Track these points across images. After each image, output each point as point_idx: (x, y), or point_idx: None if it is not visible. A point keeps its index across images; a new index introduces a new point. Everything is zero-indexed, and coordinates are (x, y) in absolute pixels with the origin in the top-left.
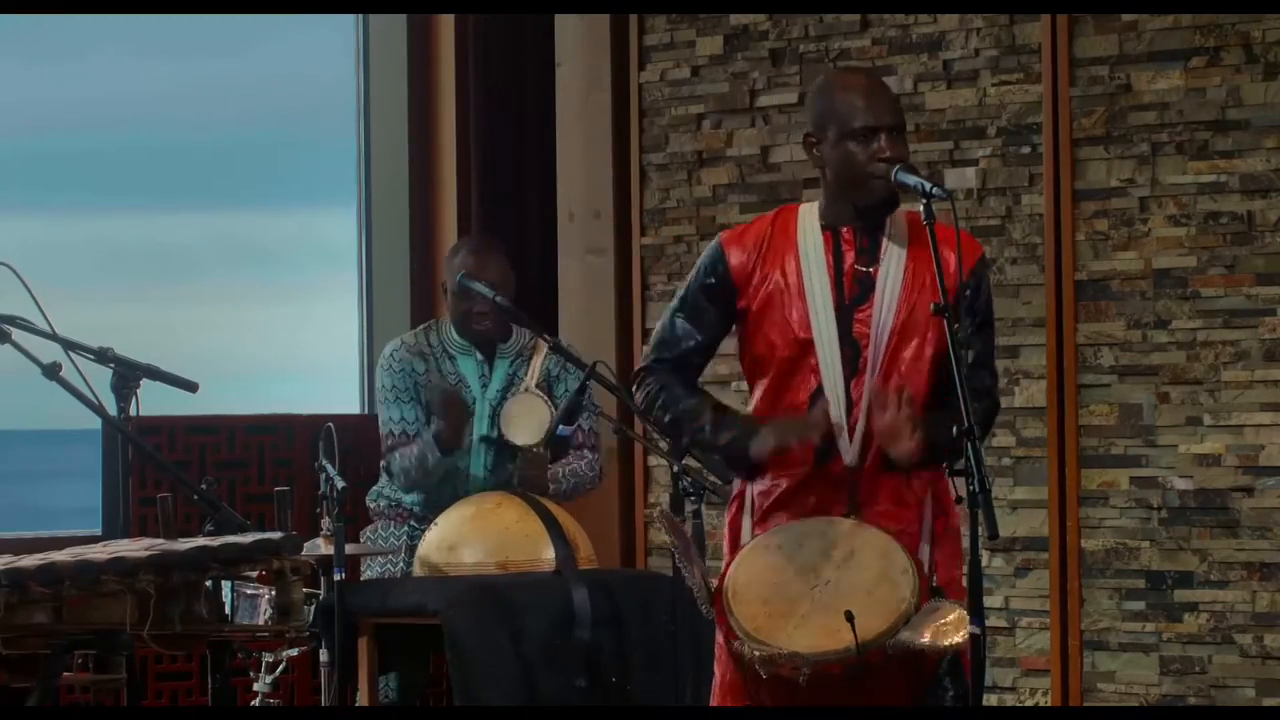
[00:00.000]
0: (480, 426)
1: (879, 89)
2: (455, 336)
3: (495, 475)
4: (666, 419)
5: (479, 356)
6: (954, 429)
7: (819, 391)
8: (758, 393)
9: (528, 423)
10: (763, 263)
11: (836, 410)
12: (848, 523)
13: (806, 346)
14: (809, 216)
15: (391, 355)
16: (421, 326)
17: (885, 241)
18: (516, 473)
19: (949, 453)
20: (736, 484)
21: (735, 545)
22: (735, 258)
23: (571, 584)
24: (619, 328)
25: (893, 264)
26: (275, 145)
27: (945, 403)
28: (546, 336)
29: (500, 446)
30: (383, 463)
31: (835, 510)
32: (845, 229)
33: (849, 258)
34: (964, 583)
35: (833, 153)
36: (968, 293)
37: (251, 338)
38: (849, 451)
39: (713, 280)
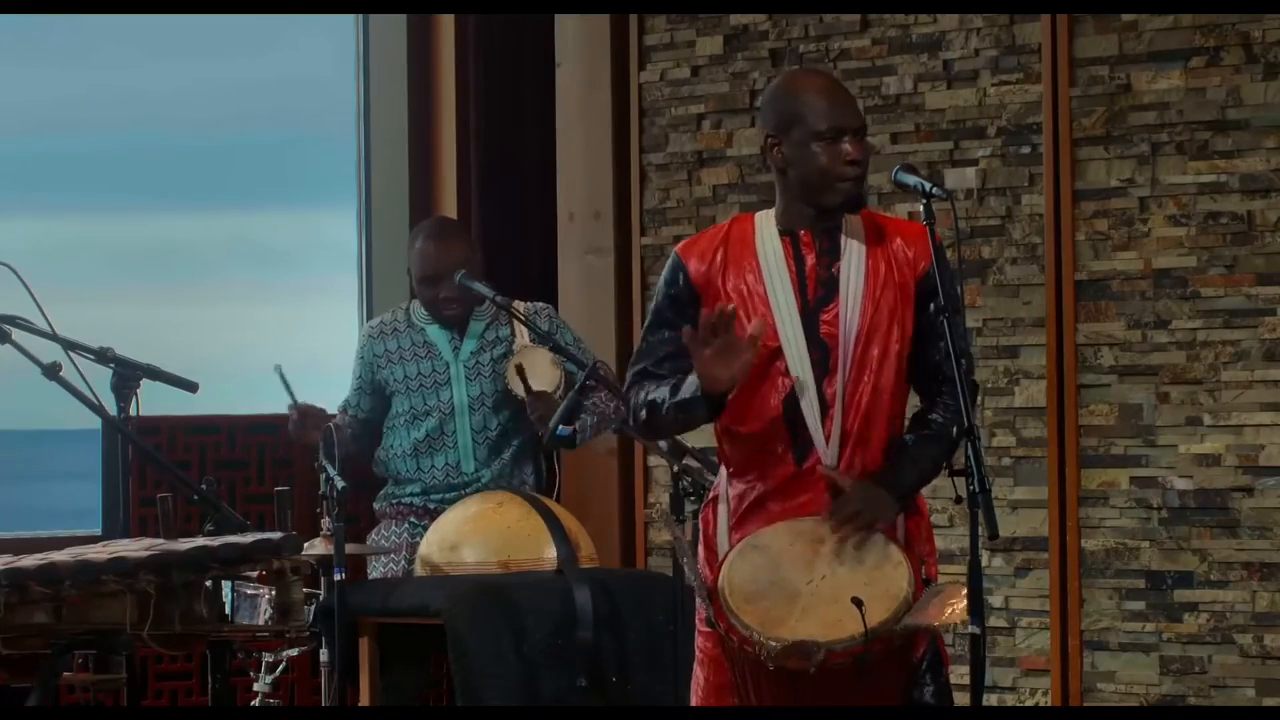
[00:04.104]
0: (459, 390)
1: (842, 90)
2: (424, 310)
3: (483, 435)
4: (644, 415)
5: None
6: (943, 462)
7: (792, 394)
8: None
9: (541, 370)
10: (722, 271)
11: (811, 413)
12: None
13: (774, 353)
14: (765, 224)
15: (366, 336)
16: (400, 305)
17: (844, 241)
18: (532, 414)
19: (931, 476)
20: (713, 485)
21: (710, 545)
22: (694, 265)
23: (573, 584)
24: (619, 328)
25: (854, 263)
26: (276, 145)
27: (907, 439)
28: (512, 309)
29: (496, 405)
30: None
31: (815, 510)
32: (803, 231)
33: (810, 260)
34: (935, 559)
35: (797, 154)
36: (928, 282)
37: (251, 338)
38: (827, 453)
39: (676, 291)
